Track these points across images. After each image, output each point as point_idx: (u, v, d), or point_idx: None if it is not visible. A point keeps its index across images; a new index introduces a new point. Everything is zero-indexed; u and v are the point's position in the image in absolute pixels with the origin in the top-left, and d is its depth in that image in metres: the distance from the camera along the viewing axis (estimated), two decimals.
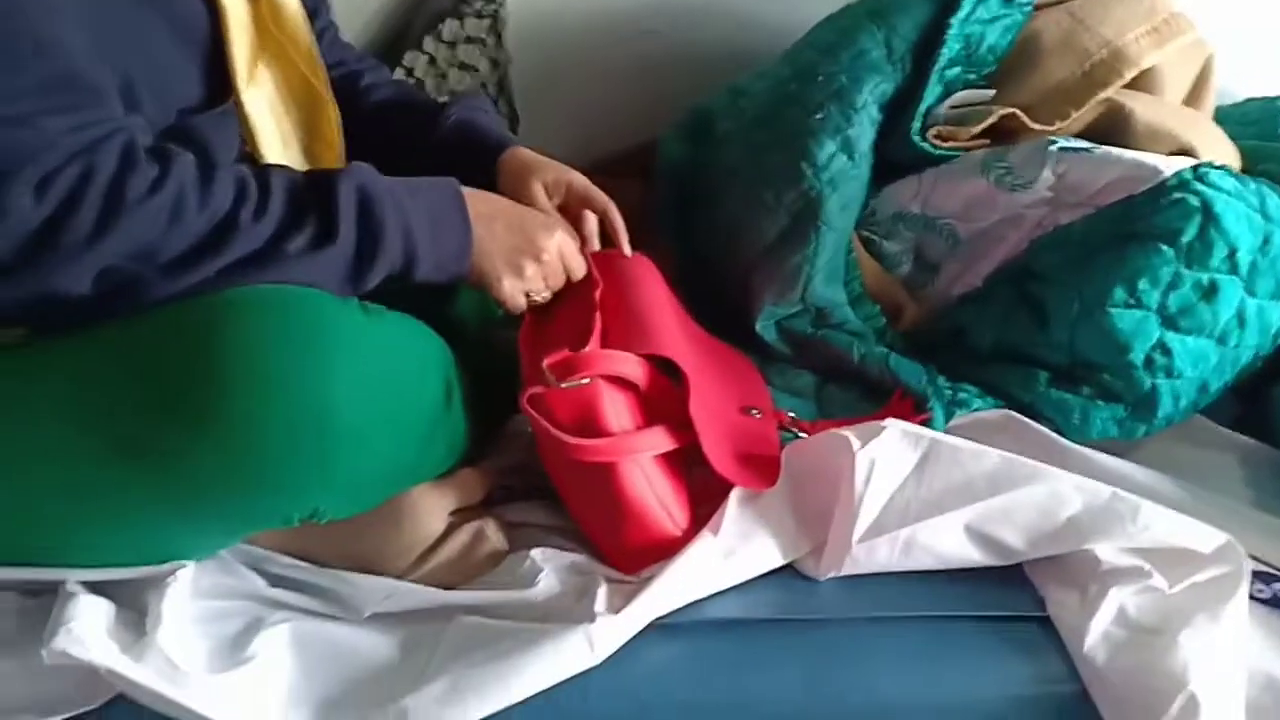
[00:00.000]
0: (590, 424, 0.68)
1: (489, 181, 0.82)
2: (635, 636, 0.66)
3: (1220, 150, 0.97)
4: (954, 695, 0.69)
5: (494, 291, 0.73)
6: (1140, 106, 0.94)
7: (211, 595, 0.65)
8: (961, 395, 0.87)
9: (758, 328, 0.97)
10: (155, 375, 0.59)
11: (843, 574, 0.73)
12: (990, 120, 0.94)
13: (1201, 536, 0.70)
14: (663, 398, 0.73)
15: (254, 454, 0.59)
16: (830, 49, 0.97)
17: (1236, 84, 1.25)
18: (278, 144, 0.76)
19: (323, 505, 0.63)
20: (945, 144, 0.96)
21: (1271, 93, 1.22)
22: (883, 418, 0.79)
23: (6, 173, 0.54)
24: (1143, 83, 0.98)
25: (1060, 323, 0.86)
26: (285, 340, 0.60)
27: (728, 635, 0.70)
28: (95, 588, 0.64)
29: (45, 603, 0.64)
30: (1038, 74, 0.96)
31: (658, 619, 0.68)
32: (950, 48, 0.93)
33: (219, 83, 0.70)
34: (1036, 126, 0.93)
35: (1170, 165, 0.86)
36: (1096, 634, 0.67)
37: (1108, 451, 0.83)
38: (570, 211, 0.82)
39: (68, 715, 0.61)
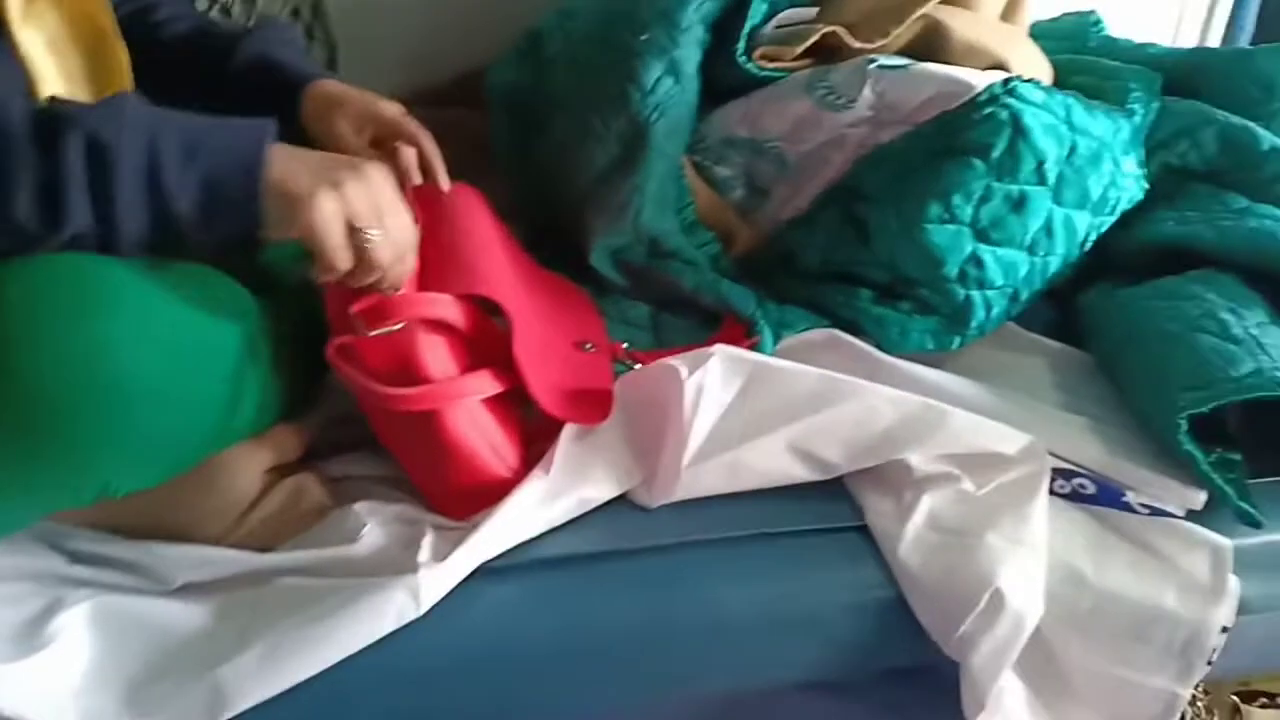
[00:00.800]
0: (408, 371, 0.66)
1: (293, 120, 0.77)
2: (467, 582, 0.66)
3: (1033, 65, 0.99)
4: (784, 607, 0.71)
5: (306, 216, 0.59)
6: (957, 23, 0.96)
7: (2, 579, 0.61)
8: (789, 317, 0.89)
9: (592, 259, 0.96)
10: None
11: (674, 500, 0.74)
12: (813, 39, 0.94)
13: (1006, 439, 0.74)
14: (488, 339, 0.72)
15: (34, 423, 0.55)
16: None
17: None
18: (60, 86, 0.70)
19: (115, 475, 0.60)
20: (771, 65, 0.95)
21: (1084, 7, 1.26)
22: (714, 344, 0.80)
23: None
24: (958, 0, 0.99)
25: (881, 240, 0.88)
26: (59, 300, 0.56)
27: (562, 572, 0.70)
28: None
29: None
30: None
31: (488, 563, 0.67)
32: None
33: None
34: (857, 44, 0.94)
35: (982, 80, 0.88)
36: (910, 538, 0.70)
37: (926, 363, 0.86)
38: (383, 146, 0.78)
39: None
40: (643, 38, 0.90)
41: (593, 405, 0.76)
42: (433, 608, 0.63)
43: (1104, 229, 0.94)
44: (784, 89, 0.94)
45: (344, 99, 0.77)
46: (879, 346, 0.87)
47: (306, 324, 0.73)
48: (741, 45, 0.93)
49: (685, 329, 0.93)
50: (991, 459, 0.73)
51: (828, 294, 0.92)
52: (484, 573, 0.67)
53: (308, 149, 0.63)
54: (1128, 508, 0.74)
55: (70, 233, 0.57)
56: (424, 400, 0.66)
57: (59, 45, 0.69)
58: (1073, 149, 0.87)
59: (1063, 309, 0.96)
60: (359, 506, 0.70)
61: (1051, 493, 0.75)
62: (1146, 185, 0.95)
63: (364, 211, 0.61)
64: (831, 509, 0.75)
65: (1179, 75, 1.07)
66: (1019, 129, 0.84)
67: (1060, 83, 1.06)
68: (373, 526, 0.68)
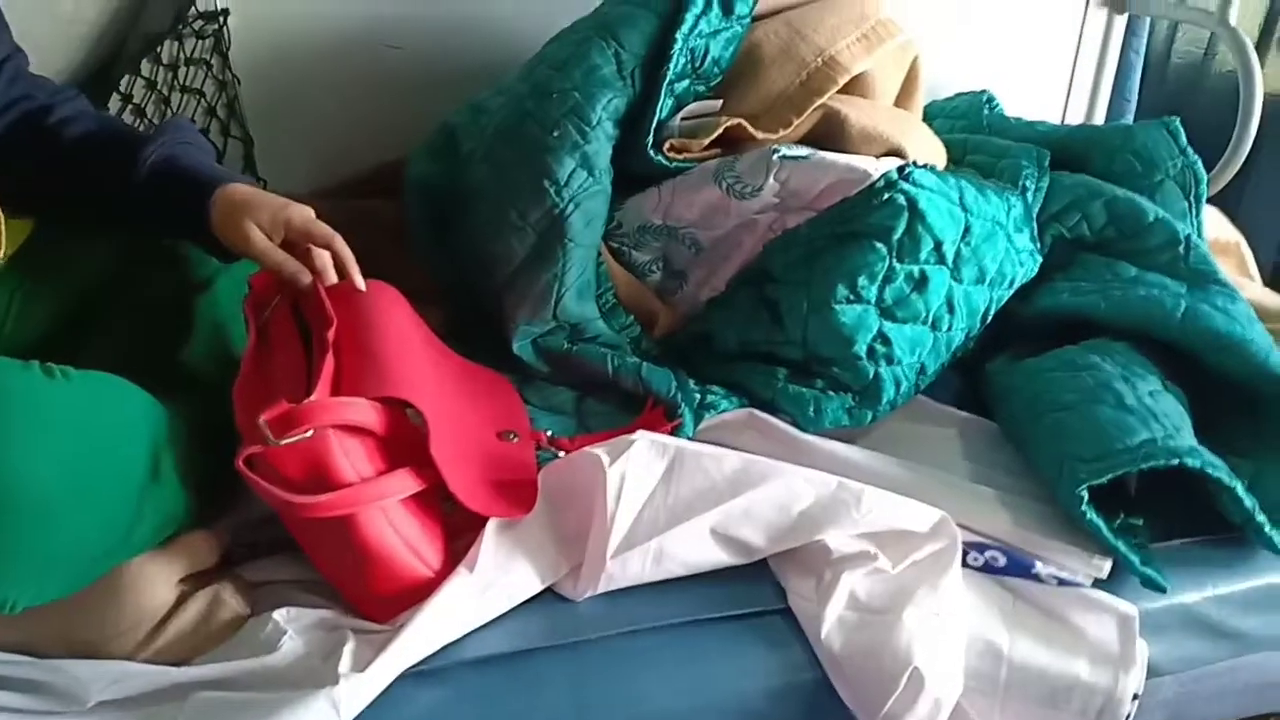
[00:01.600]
0: (321, 477, 0.65)
1: (202, 224, 0.77)
2: (391, 688, 0.65)
3: (928, 149, 1.05)
4: (710, 695, 0.72)
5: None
6: (854, 112, 1.00)
7: None
8: (710, 398, 0.91)
9: (515, 348, 0.97)
10: None
11: (599, 591, 0.74)
12: (718, 131, 0.97)
13: (919, 516, 0.76)
14: (406, 437, 0.72)
15: None
16: (563, 65, 0.98)
17: (950, 78, 1.37)
18: None
19: (10, 590, 0.58)
20: (680, 156, 0.98)
21: (977, 86, 1.33)
22: (637, 429, 0.81)
23: None
24: (856, 86, 1.04)
25: (793, 321, 0.91)
26: None
27: (489, 671, 0.70)
28: None
29: None
30: (761, 84, 1.01)
31: (413, 667, 0.67)
32: (676, 62, 0.96)
33: None
34: (761, 135, 0.98)
35: (879, 167, 0.92)
36: (831, 620, 0.71)
37: (842, 438, 0.88)
38: (296, 249, 0.78)
39: None
40: (554, 134, 0.93)
41: (516, 497, 0.76)
42: (357, 717, 0.62)
43: (1003, 301, 0.98)
44: (694, 178, 0.97)
45: (253, 203, 0.77)
46: (796, 424, 0.89)
47: (219, 425, 0.72)
48: (650, 139, 0.96)
49: (609, 413, 0.94)
50: (905, 536, 0.75)
51: (746, 373, 0.94)
52: (408, 675, 0.67)
53: None
54: (1037, 578, 0.76)
55: None
56: (336, 505, 0.65)
57: None
58: (967, 229, 0.91)
59: (969, 377, 1.00)
60: (278, 614, 0.69)
61: (965, 565, 0.77)
62: (1040, 259, 1.00)
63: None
64: (755, 593, 0.76)
65: (1067, 151, 1.14)
66: (916, 212, 0.88)
67: (956, 161, 1.12)
68: (292, 635, 0.67)
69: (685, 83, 0.99)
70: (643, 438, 0.77)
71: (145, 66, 1.12)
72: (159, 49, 1.12)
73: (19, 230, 0.82)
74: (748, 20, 1.02)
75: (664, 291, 1.04)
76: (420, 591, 0.69)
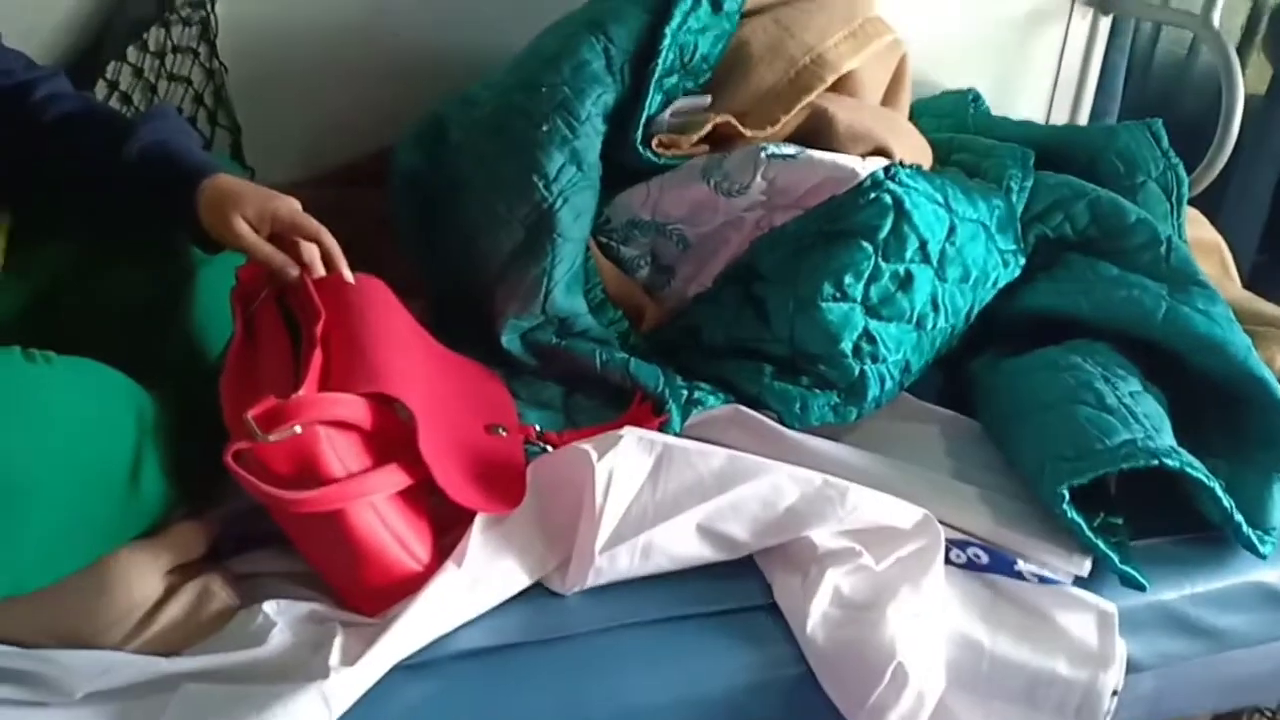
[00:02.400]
0: (310, 472, 0.65)
1: (188, 210, 0.77)
2: (380, 681, 0.66)
3: (914, 149, 1.06)
4: (695, 690, 0.72)
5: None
6: (842, 110, 1.01)
7: None
8: (697, 394, 0.91)
9: (503, 341, 0.97)
10: None
11: (587, 586, 0.75)
12: (707, 128, 0.98)
13: (902, 513, 0.77)
14: (394, 432, 0.72)
15: None
16: (552, 59, 0.98)
17: (937, 76, 1.38)
18: None
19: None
20: (668, 152, 0.99)
21: (964, 85, 1.34)
22: (625, 424, 0.82)
23: None
24: (844, 85, 1.05)
25: (780, 318, 0.92)
26: None
27: (477, 665, 0.70)
28: None
29: None
30: (749, 81, 1.01)
31: (402, 660, 0.67)
32: (665, 58, 0.96)
33: None
34: (749, 133, 0.98)
35: (866, 167, 0.93)
36: (816, 615, 0.72)
37: (827, 435, 0.89)
38: (283, 241, 0.78)
39: None
40: (544, 129, 0.93)
41: (504, 492, 0.76)
42: (345, 710, 0.63)
43: (986, 301, 0.99)
44: (682, 175, 0.98)
45: (239, 198, 0.76)
46: (782, 421, 0.90)
47: (204, 414, 0.72)
48: (639, 134, 0.96)
49: (596, 408, 0.94)
50: (889, 533, 0.76)
51: (732, 369, 0.95)
52: (398, 669, 0.67)
53: None
54: (1019, 576, 0.77)
55: None
56: (325, 501, 0.65)
57: None
58: (952, 229, 0.92)
59: (953, 376, 1.01)
60: (267, 606, 0.69)
61: (948, 562, 0.78)
62: (1023, 260, 1.01)
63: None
64: (741, 588, 0.76)
65: (1051, 151, 1.15)
66: (902, 212, 0.88)
67: (941, 160, 1.13)
68: (282, 627, 0.67)
69: (674, 79, 1.00)
70: (631, 434, 0.77)
71: (132, 53, 1.11)
72: (145, 36, 1.11)
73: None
74: (737, 17, 1.02)
75: (652, 287, 1.04)
76: (409, 585, 0.69)
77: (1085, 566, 0.79)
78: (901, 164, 0.93)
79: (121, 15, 1.12)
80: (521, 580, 0.74)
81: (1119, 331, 0.96)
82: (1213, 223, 1.35)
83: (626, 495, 0.75)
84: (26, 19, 0.96)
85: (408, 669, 0.67)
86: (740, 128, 0.98)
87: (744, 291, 0.96)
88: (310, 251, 0.79)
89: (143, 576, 0.68)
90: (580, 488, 0.75)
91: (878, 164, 0.93)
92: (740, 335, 0.96)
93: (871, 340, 0.91)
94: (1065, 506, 0.77)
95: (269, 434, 0.63)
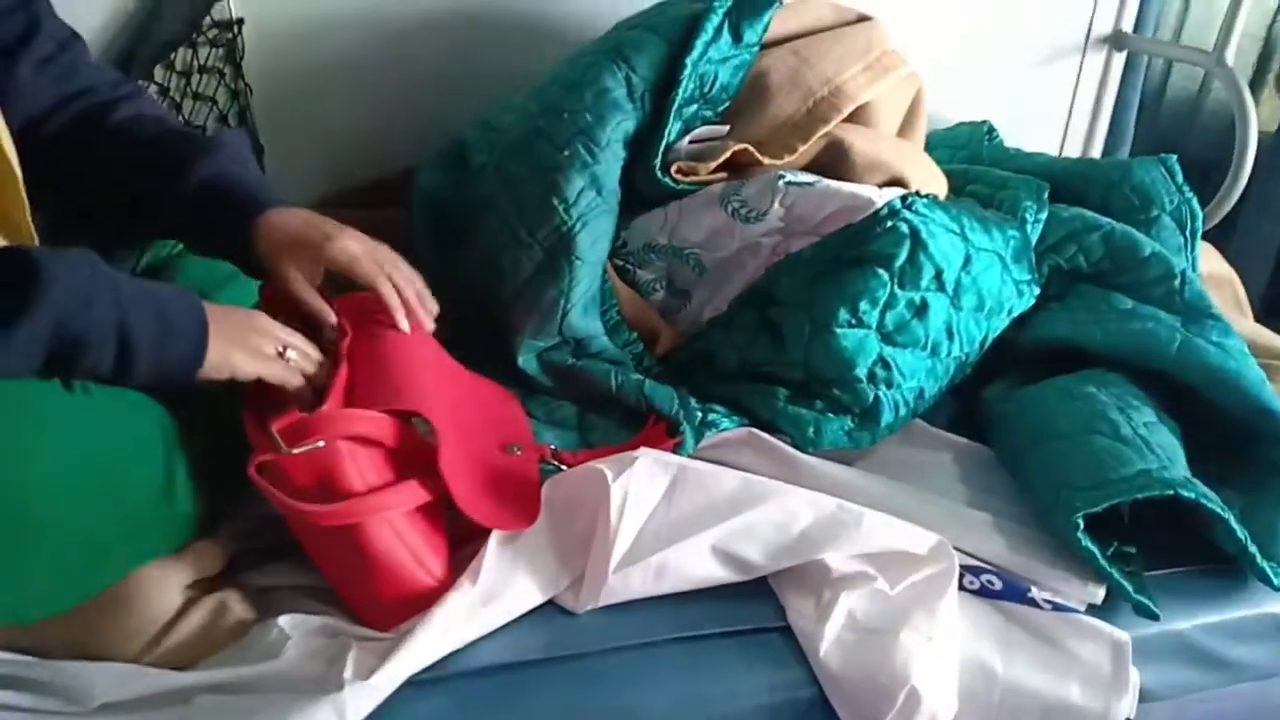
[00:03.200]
0: (330, 486, 0.66)
1: (243, 243, 0.76)
2: (392, 696, 0.66)
3: (930, 179, 1.07)
4: (707, 711, 0.72)
5: (243, 376, 0.69)
6: (859, 140, 1.02)
7: None
8: (711, 416, 0.92)
9: (520, 361, 0.98)
10: None
11: (600, 604, 0.75)
12: (725, 156, 0.99)
13: (917, 539, 0.77)
14: (414, 449, 0.73)
15: None
16: (574, 86, 1.00)
17: (952, 110, 1.39)
18: None
19: (28, 604, 0.59)
20: (686, 179, 1.00)
21: (978, 117, 1.36)
22: (639, 445, 0.82)
23: None
24: (861, 116, 1.06)
25: (795, 343, 0.93)
26: None
27: (489, 682, 0.70)
28: None
29: None
30: (768, 110, 1.03)
31: (414, 675, 0.67)
32: (686, 87, 0.98)
33: None
34: (767, 161, 0.99)
35: (882, 196, 0.94)
36: (830, 638, 0.72)
37: (840, 460, 0.90)
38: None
39: None
40: (565, 153, 0.94)
41: (519, 510, 0.77)
42: None
43: (1000, 330, 1.00)
44: (700, 201, 0.99)
45: (298, 243, 0.75)
46: (795, 445, 0.90)
47: (227, 433, 0.73)
48: (658, 161, 0.97)
49: (609, 429, 0.95)
50: (903, 558, 0.76)
51: (747, 393, 0.95)
52: (410, 685, 0.67)
53: (224, 307, 0.69)
54: (1032, 603, 0.77)
55: None
56: (344, 515, 0.66)
57: None
58: (968, 259, 0.93)
59: (966, 403, 1.02)
60: (283, 620, 0.69)
61: (961, 588, 0.78)
62: (1037, 290, 1.02)
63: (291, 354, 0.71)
64: (755, 610, 0.77)
65: (1065, 183, 1.16)
66: (918, 241, 0.89)
67: (956, 190, 1.14)
68: (296, 641, 0.68)
69: (694, 107, 1.01)
70: (646, 455, 0.78)
71: (159, 73, 1.13)
72: (173, 56, 1.13)
73: None
74: (756, 48, 1.04)
75: (667, 310, 1.05)
76: (423, 601, 0.70)
77: (1099, 595, 0.79)
78: (918, 193, 0.94)
79: (150, 37, 1.15)
80: (535, 598, 0.74)
81: (1133, 363, 0.96)
82: (1224, 256, 1.35)
83: (641, 515, 0.76)
84: None
85: (420, 684, 0.68)
86: (758, 155, 0.99)
87: (759, 316, 0.97)
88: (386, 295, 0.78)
89: (162, 592, 0.69)
90: (595, 507, 0.76)
91: (894, 193, 0.94)
92: (755, 359, 0.96)
93: (886, 366, 0.91)
94: (1079, 535, 0.77)
95: (293, 448, 0.63)
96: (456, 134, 1.14)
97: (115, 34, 1.13)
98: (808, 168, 1.01)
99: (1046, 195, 1.11)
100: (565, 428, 0.95)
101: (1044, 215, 1.08)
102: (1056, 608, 0.77)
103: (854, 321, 0.90)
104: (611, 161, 0.96)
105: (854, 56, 1.07)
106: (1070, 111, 1.55)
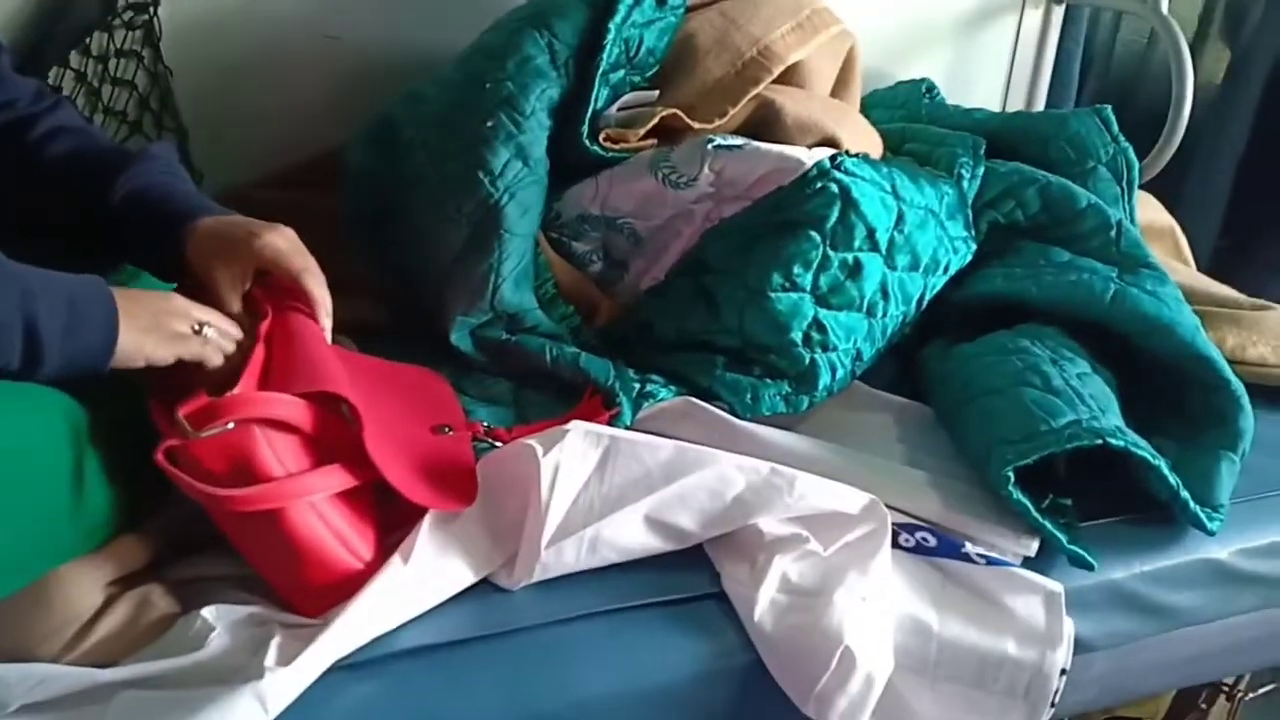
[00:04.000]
0: (246, 470, 0.64)
1: (173, 251, 0.75)
2: (322, 681, 0.65)
3: (862, 138, 1.06)
4: (645, 681, 0.72)
5: (159, 362, 0.68)
6: (789, 102, 1.01)
7: None
8: (649, 387, 0.91)
9: (452, 339, 0.97)
10: None
11: (534, 580, 0.74)
12: (654, 122, 0.97)
13: (849, 499, 0.77)
14: (337, 435, 0.71)
15: None
16: (497, 55, 0.98)
17: (892, 67, 1.38)
18: None
19: None
20: (616, 146, 0.99)
21: (918, 75, 1.35)
22: (575, 418, 0.81)
23: None
24: (791, 76, 1.05)
25: (730, 310, 0.92)
26: None
27: (423, 662, 0.69)
28: None
29: None
30: (696, 74, 1.01)
31: (345, 659, 0.66)
32: (610, 52, 0.96)
33: None
34: (696, 125, 0.98)
35: (812, 157, 0.93)
36: (764, 602, 0.72)
37: (778, 424, 0.89)
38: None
39: None
40: (488, 124, 0.93)
41: (457, 489, 0.76)
42: (285, 711, 0.62)
43: (938, 288, 1.00)
44: (630, 168, 0.98)
45: (226, 251, 0.74)
46: (733, 412, 0.90)
47: (146, 423, 0.71)
48: (585, 129, 0.96)
49: (545, 404, 0.94)
50: (836, 519, 0.76)
51: (684, 362, 0.95)
52: (340, 669, 0.66)
53: (135, 291, 0.67)
54: (967, 558, 0.77)
55: None
56: (262, 499, 0.64)
57: None
58: (900, 217, 0.92)
59: (906, 363, 1.01)
60: (206, 612, 0.68)
61: (897, 546, 0.78)
62: (974, 246, 1.02)
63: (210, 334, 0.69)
64: (690, 577, 0.76)
65: (1002, 138, 1.16)
66: (849, 201, 0.89)
67: (894, 150, 1.13)
68: (220, 632, 0.66)
69: (620, 73, 0.99)
70: (577, 428, 0.77)
71: (74, 58, 1.09)
72: (88, 40, 1.10)
73: None
74: (682, 10, 1.02)
75: (605, 282, 1.04)
76: (352, 584, 0.68)
77: (1032, 547, 0.79)
78: (848, 153, 0.93)
79: (63, 21, 1.11)
80: (467, 577, 0.73)
81: (1069, 315, 0.97)
82: (1174, 208, 1.36)
83: (573, 489, 0.75)
84: None
85: (350, 668, 0.67)
86: (688, 120, 0.98)
87: (694, 284, 0.96)
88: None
89: (82, 589, 0.67)
90: (527, 483, 0.75)
91: (824, 154, 0.93)
92: (691, 328, 0.96)
93: (821, 329, 0.91)
94: (1011, 488, 0.77)
95: (200, 431, 0.62)
96: (385, 109, 1.12)
97: (27, 19, 1.10)
98: (740, 130, 1.00)
99: (983, 151, 1.10)
100: (501, 405, 0.94)
101: (981, 171, 1.07)
102: (991, 562, 0.77)
103: (787, 285, 0.89)
104: (537, 131, 0.94)
105: (783, 16, 1.06)
106: (1011, 67, 1.55)
